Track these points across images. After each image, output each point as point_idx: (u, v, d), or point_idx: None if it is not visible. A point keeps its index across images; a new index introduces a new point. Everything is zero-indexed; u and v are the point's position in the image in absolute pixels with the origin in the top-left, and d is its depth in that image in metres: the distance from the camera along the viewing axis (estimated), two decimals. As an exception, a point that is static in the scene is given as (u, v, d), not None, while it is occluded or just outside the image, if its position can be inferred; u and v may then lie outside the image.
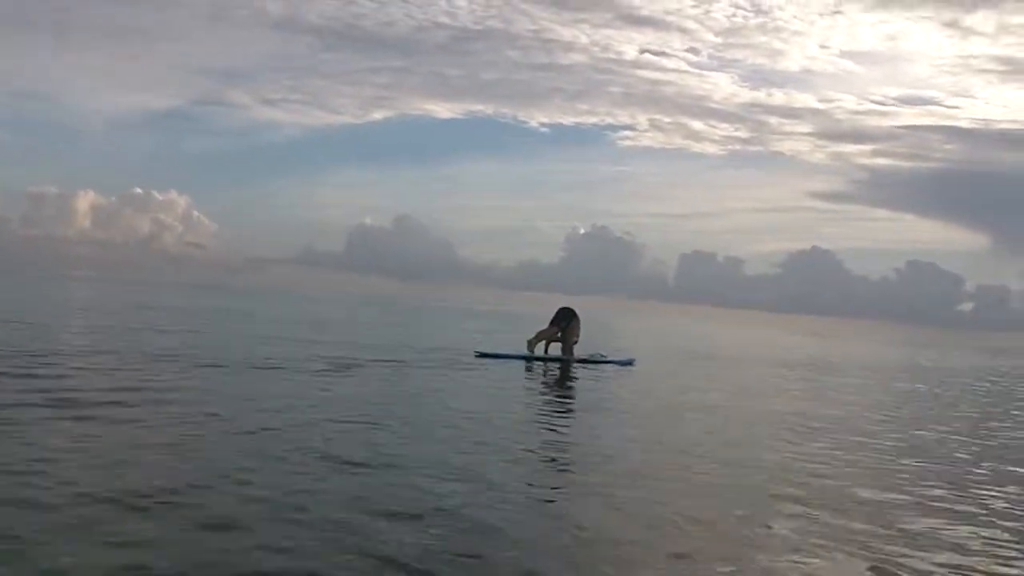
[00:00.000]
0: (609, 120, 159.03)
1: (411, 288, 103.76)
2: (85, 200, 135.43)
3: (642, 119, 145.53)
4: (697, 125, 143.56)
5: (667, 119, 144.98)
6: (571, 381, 12.36)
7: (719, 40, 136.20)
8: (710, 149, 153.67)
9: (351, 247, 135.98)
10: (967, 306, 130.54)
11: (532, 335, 14.93)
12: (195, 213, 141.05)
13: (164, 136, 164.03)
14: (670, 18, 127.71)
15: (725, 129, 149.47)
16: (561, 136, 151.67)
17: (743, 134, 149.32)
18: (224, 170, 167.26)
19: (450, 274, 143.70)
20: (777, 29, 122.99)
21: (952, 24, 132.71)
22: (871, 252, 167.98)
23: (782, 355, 25.46)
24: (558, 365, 14.34)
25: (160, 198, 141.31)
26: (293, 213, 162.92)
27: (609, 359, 15.13)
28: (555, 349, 15.21)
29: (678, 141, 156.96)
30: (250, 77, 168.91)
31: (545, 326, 15.10)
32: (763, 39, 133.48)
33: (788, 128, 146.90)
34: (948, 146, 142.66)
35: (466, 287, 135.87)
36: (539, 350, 14.93)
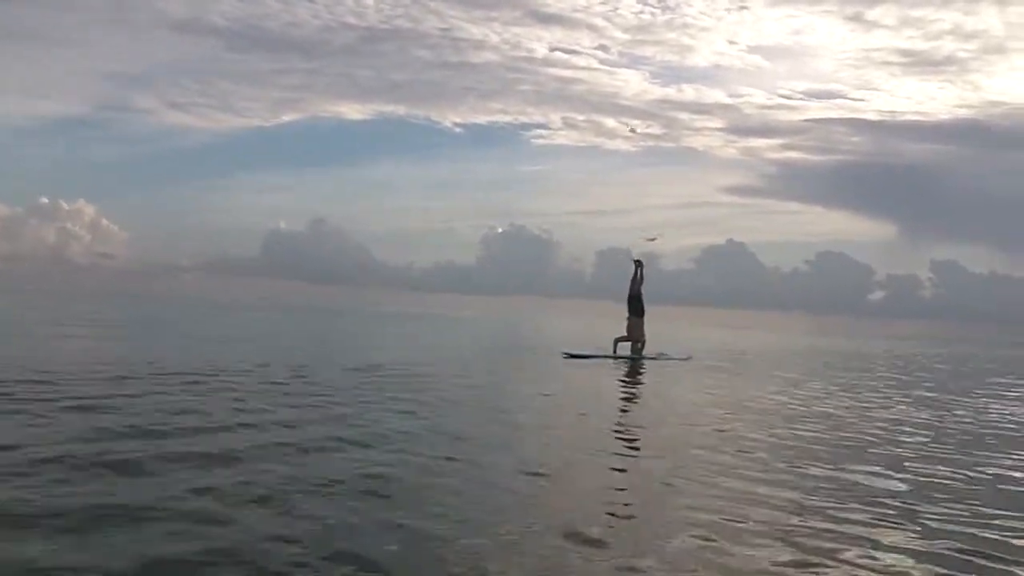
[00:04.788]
0: (523, 119, 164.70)
1: (327, 292, 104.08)
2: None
3: (555, 117, 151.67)
4: (610, 122, 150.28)
5: (580, 117, 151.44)
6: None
7: (628, 37, 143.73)
8: (623, 146, 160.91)
9: (266, 252, 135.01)
10: (878, 295, 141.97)
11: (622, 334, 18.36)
12: (104, 222, 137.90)
13: (69, 144, 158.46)
14: (578, 15, 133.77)
15: (637, 126, 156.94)
16: (475, 136, 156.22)
17: (655, 130, 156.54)
18: (133, 177, 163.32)
19: (367, 277, 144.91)
20: (685, 25, 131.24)
21: (855, 18, 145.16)
22: (784, 244, 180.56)
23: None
24: (627, 362, 17.66)
25: (68, 208, 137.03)
26: (206, 219, 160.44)
27: (670, 356, 18.64)
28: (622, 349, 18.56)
29: (591, 139, 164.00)
30: (155, 81, 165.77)
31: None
32: (671, 35, 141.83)
33: (699, 124, 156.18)
34: (854, 138, 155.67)
35: (383, 289, 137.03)
36: (617, 349, 18.31)
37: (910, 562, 4.19)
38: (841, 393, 13.26)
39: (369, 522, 4.39)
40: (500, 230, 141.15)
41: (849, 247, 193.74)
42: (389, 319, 43.24)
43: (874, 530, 4.75)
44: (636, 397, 12.00)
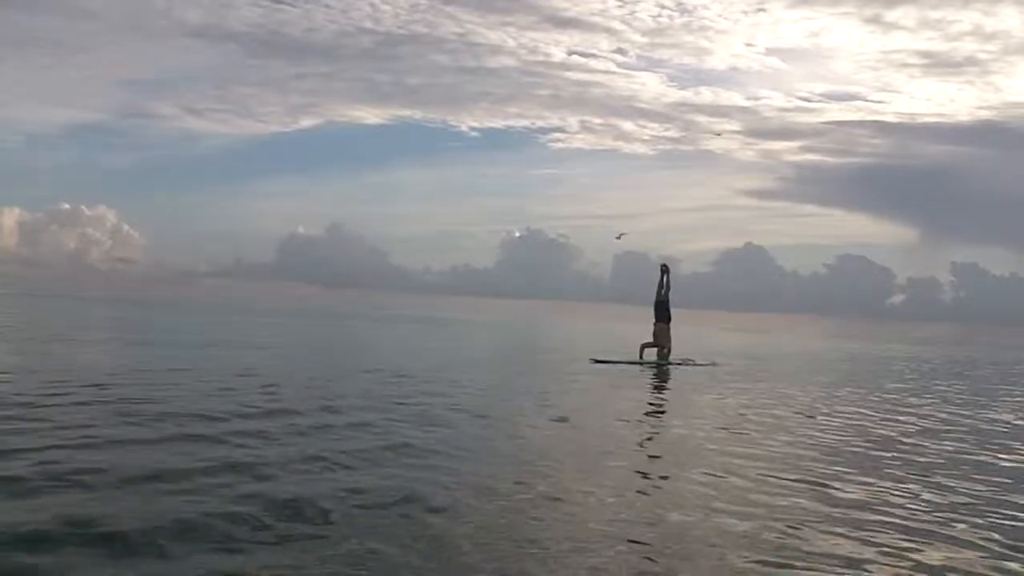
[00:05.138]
0: (540, 123, 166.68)
1: (345, 296, 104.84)
2: (11, 217, 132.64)
3: (572, 121, 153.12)
4: (627, 126, 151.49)
5: (597, 120, 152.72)
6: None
7: (646, 40, 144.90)
8: (640, 149, 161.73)
9: (283, 256, 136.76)
10: (898, 298, 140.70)
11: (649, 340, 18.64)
12: (124, 227, 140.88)
13: (89, 150, 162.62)
14: (596, 19, 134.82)
15: (655, 129, 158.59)
16: (492, 140, 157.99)
17: (673, 134, 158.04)
18: (152, 183, 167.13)
19: (384, 281, 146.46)
20: (703, 28, 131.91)
21: (874, 20, 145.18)
22: (802, 247, 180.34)
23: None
24: (654, 367, 17.94)
25: (88, 213, 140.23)
26: (223, 224, 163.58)
27: (696, 362, 18.90)
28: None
29: (609, 142, 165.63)
30: (174, 87, 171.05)
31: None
32: (689, 38, 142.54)
33: (717, 126, 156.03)
34: (874, 140, 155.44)
35: (400, 293, 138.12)
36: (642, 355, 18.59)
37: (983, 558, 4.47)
38: (872, 397, 13.49)
39: (481, 531, 4.69)
40: (517, 234, 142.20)
41: (869, 250, 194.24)
42: (410, 323, 43.58)
43: (946, 529, 5.03)
44: (674, 403, 12.28)
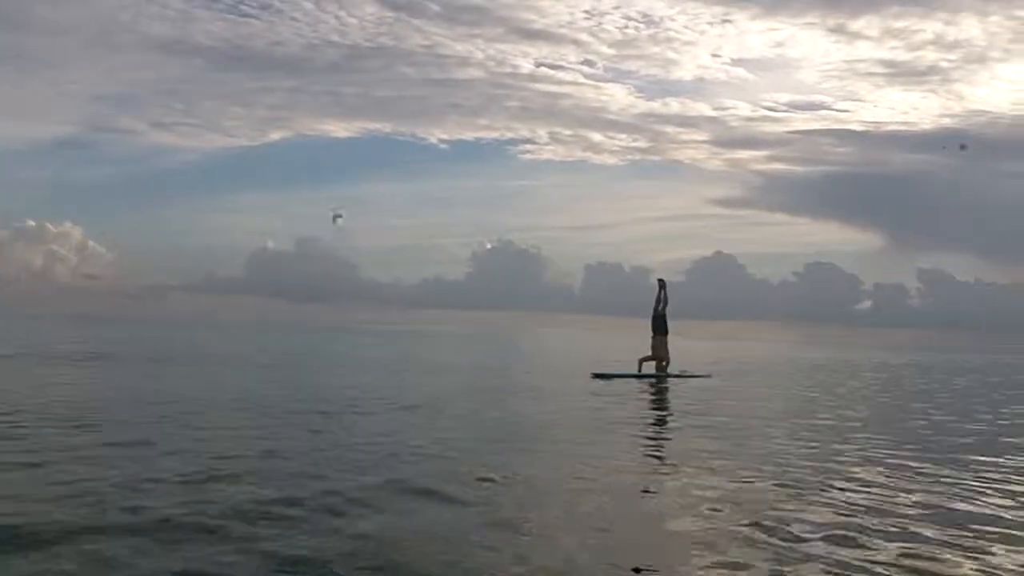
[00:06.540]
0: (509, 135, 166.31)
1: (316, 310, 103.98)
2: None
3: (542, 132, 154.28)
4: (596, 137, 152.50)
5: (566, 131, 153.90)
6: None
7: (613, 52, 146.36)
8: (610, 160, 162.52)
9: (253, 271, 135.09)
10: (865, 304, 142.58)
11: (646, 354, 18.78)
12: (90, 243, 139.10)
13: (54, 165, 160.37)
14: (563, 31, 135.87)
15: (624, 140, 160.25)
16: (462, 152, 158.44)
17: (642, 144, 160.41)
18: (119, 198, 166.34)
19: (355, 295, 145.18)
20: (669, 39, 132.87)
21: (838, 29, 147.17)
22: (772, 256, 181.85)
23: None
24: (652, 380, 18.07)
25: (54, 230, 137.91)
26: (192, 239, 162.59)
27: (693, 373, 19.13)
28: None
29: (578, 153, 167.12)
30: (140, 102, 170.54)
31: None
32: (656, 50, 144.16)
33: (685, 137, 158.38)
34: (840, 149, 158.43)
35: (371, 307, 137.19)
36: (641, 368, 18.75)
37: None
38: (877, 402, 13.76)
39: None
40: (488, 246, 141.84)
41: (837, 257, 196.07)
42: (386, 338, 43.37)
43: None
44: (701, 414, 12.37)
